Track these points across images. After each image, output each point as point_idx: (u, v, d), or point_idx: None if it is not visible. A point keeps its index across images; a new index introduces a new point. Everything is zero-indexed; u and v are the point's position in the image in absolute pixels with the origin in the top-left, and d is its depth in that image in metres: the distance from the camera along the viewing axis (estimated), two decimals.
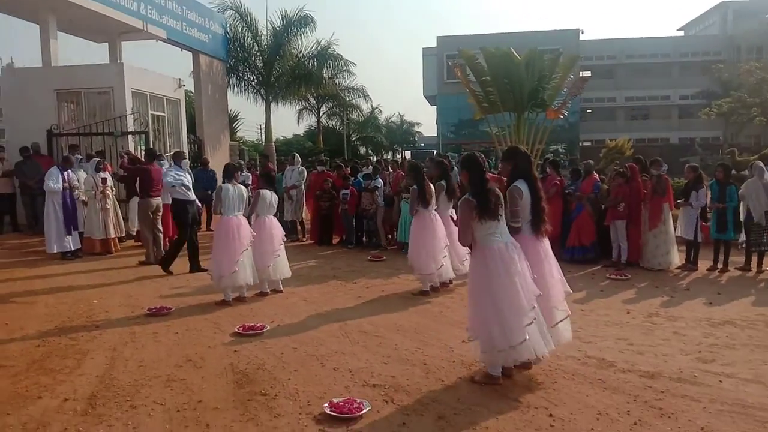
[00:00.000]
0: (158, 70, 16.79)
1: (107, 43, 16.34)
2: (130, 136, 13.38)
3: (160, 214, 9.89)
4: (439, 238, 7.33)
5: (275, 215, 7.73)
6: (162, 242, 9.90)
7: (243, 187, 7.40)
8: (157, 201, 9.78)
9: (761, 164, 8.93)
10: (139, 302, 7.01)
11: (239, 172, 11.36)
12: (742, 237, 8.95)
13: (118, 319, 6.31)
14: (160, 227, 9.90)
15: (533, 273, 4.36)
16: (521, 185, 4.54)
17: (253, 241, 7.09)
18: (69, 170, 10.23)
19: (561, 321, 4.64)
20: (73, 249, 10.11)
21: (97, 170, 10.53)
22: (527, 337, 4.14)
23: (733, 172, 10.57)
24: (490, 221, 4.27)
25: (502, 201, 4.40)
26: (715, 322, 6.05)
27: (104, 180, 10.46)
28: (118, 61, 15.51)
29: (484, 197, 4.27)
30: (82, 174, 10.64)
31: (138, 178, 9.89)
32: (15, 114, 13.79)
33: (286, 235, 10.61)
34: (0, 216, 12.87)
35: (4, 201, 12.78)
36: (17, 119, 13.66)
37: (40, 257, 10.08)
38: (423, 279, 7.44)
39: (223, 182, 7.33)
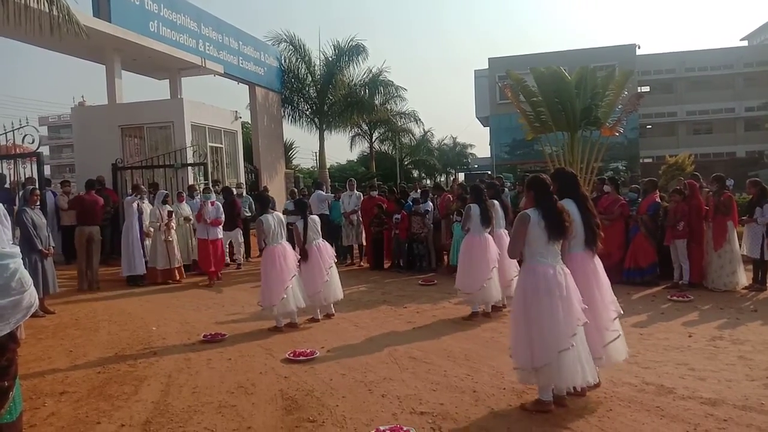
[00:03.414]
0: (216, 102, 17.52)
1: (168, 79, 17.10)
2: (189, 168, 13.89)
3: (96, 241, 10.18)
4: (487, 260, 7.25)
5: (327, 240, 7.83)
6: (97, 269, 10.33)
7: (281, 215, 7.53)
8: (91, 230, 10.10)
9: None
10: (195, 329, 7.20)
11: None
12: None
13: (175, 345, 6.50)
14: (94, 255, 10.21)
15: (582, 293, 4.28)
16: (568, 204, 4.52)
17: (300, 268, 7.20)
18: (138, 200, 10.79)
19: (612, 341, 4.51)
20: (141, 274, 10.59)
21: (164, 203, 10.81)
22: (552, 364, 4.06)
23: None
24: (552, 242, 4.24)
25: (571, 223, 4.35)
26: None
27: (170, 213, 10.73)
28: (178, 96, 16.21)
29: (554, 216, 4.25)
30: (147, 206, 11.05)
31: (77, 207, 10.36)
32: (84, 149, 14.59)
33: (339, 259, 10.76)
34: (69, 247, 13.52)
35: (71, 233, 13.41)
36: (86, 154, 14.43)
37: (107, 286, 10.52)
38: (469, 300, 7.36)
39: (261, 213, 7.36)
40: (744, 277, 8.63)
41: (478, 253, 7.34)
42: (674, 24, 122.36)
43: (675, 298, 8.08)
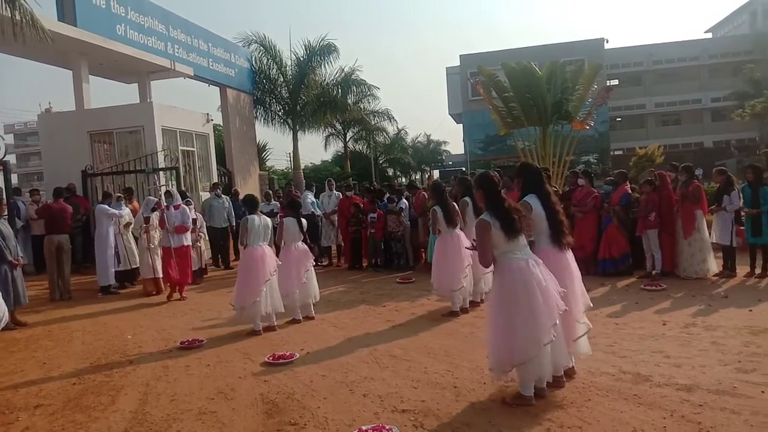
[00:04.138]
0: (186, 105, 17.33)
1: (137, 83, 16.84)
2: (161, 172, 13.70)
3: (66, 250, 9.95)
4: (462, 258, 7.28)
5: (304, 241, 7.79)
6: (69, 278, 10.11)
7: (268, 218, 7.50)
8: (60, 238, 9.90)
9: None
10: (172, 335, 7.11)
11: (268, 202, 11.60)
12: None
13: (152, 353, 6.41)
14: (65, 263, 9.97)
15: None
16: (531, 200, 4.61)
17: (278, 270, 7.17)
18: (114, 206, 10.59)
19: (582, 335, 4.61)
20: (116, 284, 10.41)
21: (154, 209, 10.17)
22: (535, 356, 4.12)
23: None
24: (511, 239, 4.24)
25: (522, 216, 4.38)
26: (755, 330, 5.85)
27: (147, 219, 10.18)
28: (148, 100, 15.96)
29: (504, 215, 4.26)
30: (126, 211, 10.80)
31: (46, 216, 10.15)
32: (52, 157, 14.28)
33: (318, 261, 10.75)
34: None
35: (42, 242, 13.14)
36: (54, 162, 14.13)
37: (79, 295, 10.32)
38: (451, 298, 7.39)
39: (248, 213, 7.39)
40: (714, 265, 8.81)
41: (452, 252, 7.37)
42: (641, 17, 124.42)
43: (648, 287, 8.22)
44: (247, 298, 6.87)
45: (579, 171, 10.69)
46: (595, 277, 8.83)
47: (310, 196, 12.89)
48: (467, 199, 7.75)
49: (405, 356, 5.69)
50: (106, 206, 10.43)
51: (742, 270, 8.70)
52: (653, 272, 9.00)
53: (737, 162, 28.47)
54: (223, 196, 12.98)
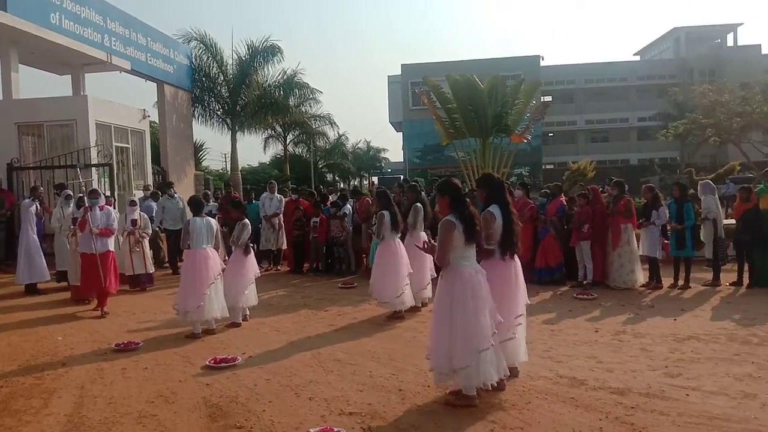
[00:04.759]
0: (122, 100, 16.71)
1: (70, 75, 16.15)
2: (94, 169, 13.19)
3: None
4: (403, 265, 7.39)
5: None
6: None
7: (212, 220, 7.37)
8: None
9: (709, 182, 9.50)
10: (106, 338, 6.85)
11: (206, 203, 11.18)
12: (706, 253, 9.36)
13: (85, 355, 6.16)
14: None
15: (503, 294, 4.56)
16: (495, 210, 4.75)
17: (224, 273, 7.06)
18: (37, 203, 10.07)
19: (509, 339, 4.78)
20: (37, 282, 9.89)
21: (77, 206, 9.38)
22: (472, 364, 4.26)
23: (692, 191, 10.99)
24: (469, 245, 4.39)
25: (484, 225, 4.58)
26: (680, 337, 6.22)
27: (75, 220, 9.25)
28: (82, 93, 15.34)
29: (470, 220, 4.41)
30: (70, 210, 9.91)
31: None
32: None
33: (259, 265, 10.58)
34: None
35: None
36: None
37: (6, 294, 9.79)
38: (392, 301, 7.45)
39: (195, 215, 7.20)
40: (641, 276, 9.30)
41: (393, 260, 7.45)
42: (575, 37, 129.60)
43: (580, 296, 8.58)
44: (191, 303, 6.72)
45: (516, 183, 11.06)
46: (530, 285, 9.02)
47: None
48: (419, 205, 7.90)
49: (349, 360, 5.71)
50: (29, 201, 9.95)
51: (667, 282, 9.21)
52: (585, 282, 9.40)
53: (660, 179, 30.06)
54: (176, 195, 12.46)
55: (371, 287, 7.62)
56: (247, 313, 7.61)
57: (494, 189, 4.91)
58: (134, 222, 10.05)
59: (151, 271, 10.41)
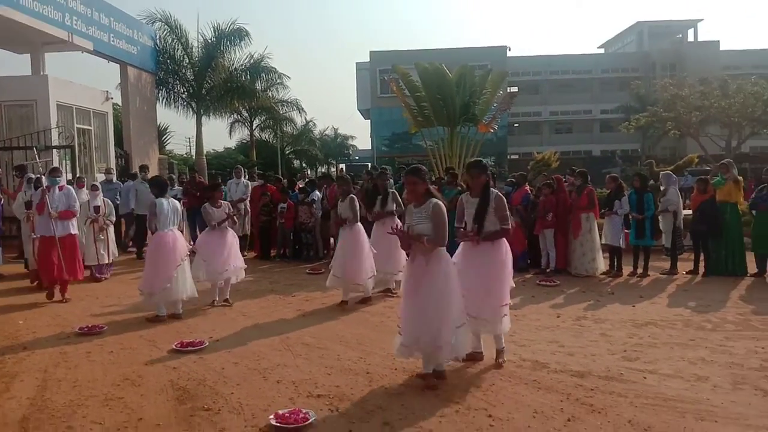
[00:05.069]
0: (84, 82, 16.27)
1: (29, 54, 15.64)
2: (54, 151, 12.86)
3: None
4: (368, 250, 7.50)
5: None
6: None
7: (177, 202, 7.30)
8: None
9: (671, 173, 9.77)
10: (69, 322, 6.75)
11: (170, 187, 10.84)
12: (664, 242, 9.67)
13: (47, 339, 6.06)
14: None
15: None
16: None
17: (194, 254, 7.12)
18: None
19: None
20: None
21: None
22: (455, 340, 4.43)
23: (652, 182, 11.32)
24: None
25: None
26: (638, 323, 6.44)
27: (29, 203, 8.98)
28: (42, 73, 14.89)
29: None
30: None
31: None
32: None
33: None
34: None
35: None
36: None
37: None
38: (365, 287, 7.53)
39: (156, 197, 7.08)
40: (602, 264, 9.56)
41: (364, 243, 7.56)
42: (541, 29, 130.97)
43: (543, 282, 8.78)
44: (156, 284, 6.67)
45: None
46: None
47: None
48: (395, 191, 8.07)
49: (318, 344, 5.76)
50: None
51: (627, 270, 9.48)
52: (548, 269, 9.62)
53: (621, 171, 30.71)
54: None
55: (336, 271, 7.54)
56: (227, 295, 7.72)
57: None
58: (97, 209, 9.63)
59: (111, 260, 9.96)
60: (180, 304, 6.97)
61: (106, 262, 9.73)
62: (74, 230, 8.13)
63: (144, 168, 12.74)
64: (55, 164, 12.45)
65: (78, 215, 8.42)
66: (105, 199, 9.97)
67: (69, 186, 8.42)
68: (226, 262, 7.50)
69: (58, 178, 8.00)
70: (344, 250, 7.57)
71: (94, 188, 9.95)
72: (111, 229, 9.98)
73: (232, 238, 7.79)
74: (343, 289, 7.54)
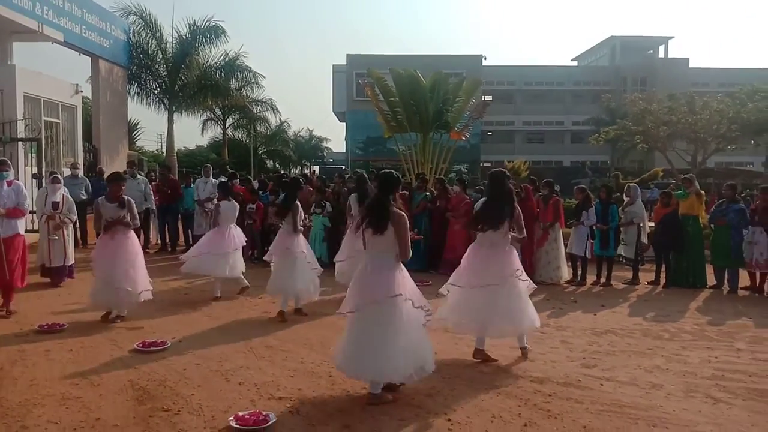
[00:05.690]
0: (54, 74, 15.90)
1: None
2: (20, 143, 12.58)
3: None
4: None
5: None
6: None
7: (236, 203, 7.35)
8: None
9: (637, 186, 10.02)
10: (28, 319, 6.63)
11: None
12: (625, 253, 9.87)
13: (5, 336, 5.94)
14: None
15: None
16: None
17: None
18: None
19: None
20: None
21: None
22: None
23: (618, 194, 11.56)
24: None
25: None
26: (598, 331, 6.58)
27: None
28: (9, 63, 14.55)
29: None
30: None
31: None
32: None
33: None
34: None
35: None
36: None
37: None
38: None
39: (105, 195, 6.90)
40: (566, 272, 9.73)
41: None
42: (517, 40, 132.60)
43: (417, 283, 8.79)
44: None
45: (454, 179, 11.33)
46: None
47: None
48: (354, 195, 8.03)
49: (281, 347, 5.76)
50: None
51: (589, 279, 9.66)
52: None
53: (590, 182, 31.24)
54: (140, 175, 11.89)
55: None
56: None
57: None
58: (55, 204, 8.68)
59: (70, 263, 9.01)
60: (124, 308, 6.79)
61: (63, 264, 8.78)
62: (20, 230, 7.05)
63: (132, 164, 12.42)
64: (21, 158, 12.22)
65: (27, 214, 7.39)
66: (65, 195, 9.00)
67: (19, 182, 7.28)
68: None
69: (5, 173, 6.90)
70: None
71: (54, 181, 9.01)
72: (69, 228, 9.09)
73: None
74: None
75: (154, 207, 12.26)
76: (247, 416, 3.93)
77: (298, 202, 7.26)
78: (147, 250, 11.48)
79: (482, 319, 5.26)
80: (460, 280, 5.41)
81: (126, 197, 6.90)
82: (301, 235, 7.18)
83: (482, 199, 5.73)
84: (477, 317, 5.27)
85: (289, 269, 6.99)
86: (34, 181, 12.17)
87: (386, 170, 4.74)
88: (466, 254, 5.58)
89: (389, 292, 4.22)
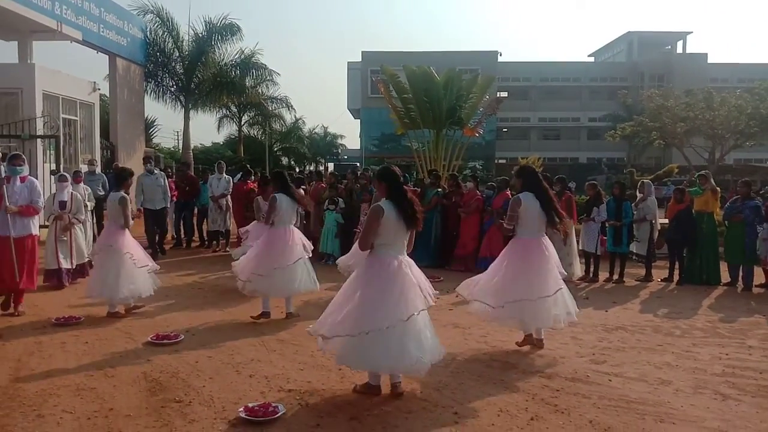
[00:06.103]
0: (72, 72, 16.16)
1: (16, 42, 15.53)
2: (39, 140, 12.79)
3: None
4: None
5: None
6: None
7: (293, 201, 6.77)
8: None
9: (649, 182, 9.95)
10: (45, 312, 6.77)
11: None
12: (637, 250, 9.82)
13: (23, 328, 6.08)
14: None
15: (534, 270, 5.34)
16: (523, 197, 5.52)
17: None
18: None
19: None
20: None
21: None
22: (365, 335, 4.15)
23: (631, 190, 11.50)
24: (398, 234, 4.39)
25: (420, 212, 4.53)
26: (608, 328, 6.57)
27: None
28: (29, 61, 14.80)
29: (405, 205, 4.37)
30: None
31: None
32: None
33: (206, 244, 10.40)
34: None
35: None
36: None
37: None
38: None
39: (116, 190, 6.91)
40: (579, 269, 9.69)
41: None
42: (533, 36, 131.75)
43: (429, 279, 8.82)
44: (250, 270, 6.54)
45: (468, 175, 11.34)
46: (474, 274, 9.36)
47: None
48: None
49: (293, 340, 5.83)
50: None
51: (602, 275, 9.63)
52: None
53: (606, 178, 31.01)
54: (156, 171, 11.71)
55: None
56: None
57: (529, 178, 5.68)
58: (63, 204, 8.25)
59: (83, 261, 8.64)
60: (132, 300, 6.82)
61: (67, 267, 8.31)
62: (35, 230, 6.79)
63: (147, 160, 12.39)
64: (40, 156, 12.41)
65: (40, 212, 7.04)
66: (73, 193, 8.50)
67: (33, 178, 6.99)
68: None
69: (19, 167, 6.60)
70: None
71: (61, 179, 8.47)
72: (78, 229, 8.60)
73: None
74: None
75: (168, 205, 12.31)
76: (256, 408, 4.00)
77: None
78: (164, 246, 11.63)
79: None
80: (533, 293, 5.41)
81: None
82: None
83: (528, 196, 5.57)
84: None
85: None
86: (52, 177, 12.36)
87: (384, 166, 4.83)
88: (520, 261, 5.58)
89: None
